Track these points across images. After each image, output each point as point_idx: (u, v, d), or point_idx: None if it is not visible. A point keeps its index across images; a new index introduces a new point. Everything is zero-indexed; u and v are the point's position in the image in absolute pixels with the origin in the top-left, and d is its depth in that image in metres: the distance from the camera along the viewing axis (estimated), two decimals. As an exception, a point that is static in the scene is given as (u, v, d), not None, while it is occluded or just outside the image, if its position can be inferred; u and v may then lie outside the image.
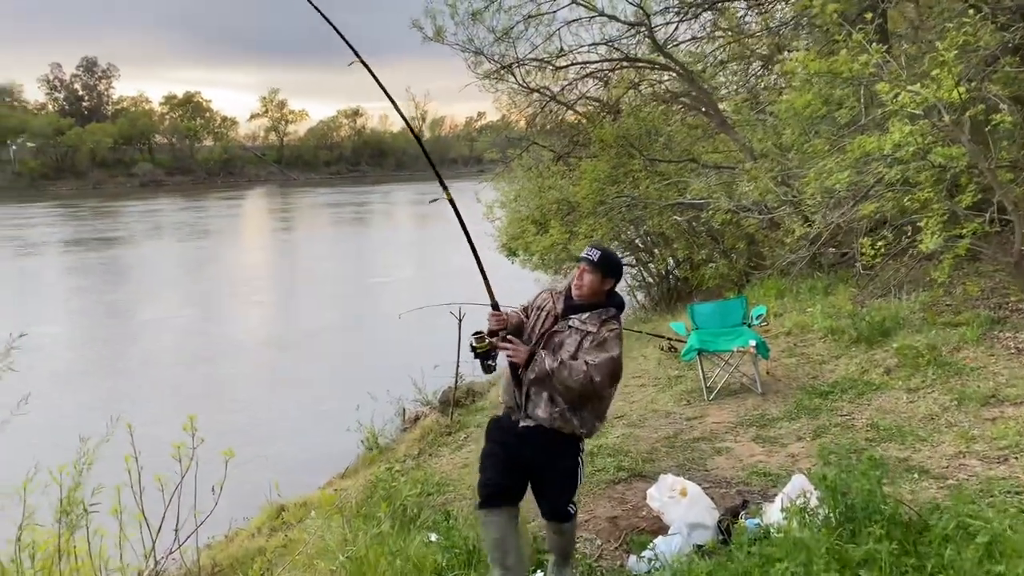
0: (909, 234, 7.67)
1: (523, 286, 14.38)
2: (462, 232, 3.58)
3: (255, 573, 4.39)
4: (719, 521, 3.81)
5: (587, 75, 13.84)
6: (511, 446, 3.37)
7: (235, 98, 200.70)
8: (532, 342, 3.36)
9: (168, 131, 79.39)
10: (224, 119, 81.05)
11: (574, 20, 11.78)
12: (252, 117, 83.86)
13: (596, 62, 12.58)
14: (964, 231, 6.73)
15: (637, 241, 14.00)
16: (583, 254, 3.42)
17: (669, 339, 8.00)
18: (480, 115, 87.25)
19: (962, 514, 3.43)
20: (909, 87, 6.62)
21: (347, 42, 3.57)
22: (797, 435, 5.40)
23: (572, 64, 12.35)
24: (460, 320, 7.41)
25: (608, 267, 3.37)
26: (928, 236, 6.78)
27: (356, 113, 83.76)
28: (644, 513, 4.38)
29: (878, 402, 5.75)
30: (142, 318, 20.79)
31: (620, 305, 3.45)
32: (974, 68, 7.48)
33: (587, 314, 3.31)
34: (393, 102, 3.82)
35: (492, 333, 3.37)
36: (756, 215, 10.37)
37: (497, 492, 3.36)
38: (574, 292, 3.37)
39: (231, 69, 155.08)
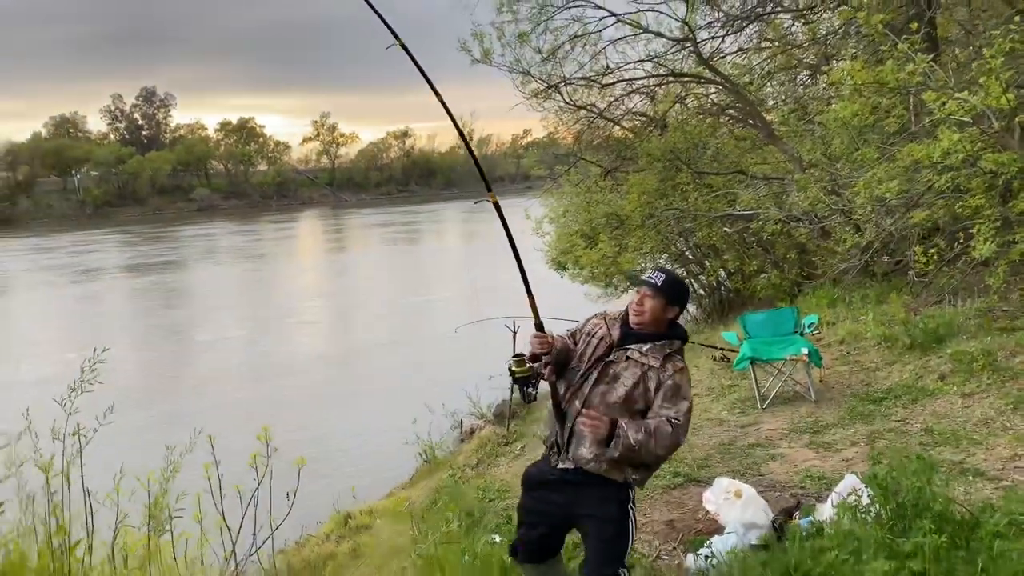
0: (962, 241, 7.69)
1: (572, 300, 14.59)
2: (507, 238, 3.24)
3: (332, 571, 4.68)
4: (773, 520, 3.95)
5: (633, 91, 14.05)
6: (546, 495, 3.08)
7: (287, 123, 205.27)
8: (583, 371, 3.02)
9: (223, 157, 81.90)
10: (277, 143, 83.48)
11: (620, 39, 12.01)
12: (304, 141, 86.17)
13: (642, 78, 12.79)
14: (1018, 237, 6.75)
15: (687, 253, 14.07)
16: (645, 277, 3.07)
17: (721, 349, 8.12)
18: (526, 132, 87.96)
19: (1014, 512, 3.54)
20: (957, 94, 6.68)
21: (386, 24, 3.27)
22: (851, 440, 5.49)
23: (618, 81, 12.54)
24: (515, 332, 7.66)
25: (674, 293, 3.02)
26: (981, 243, 6.80)
27: (405, 134, 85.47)
28: (700, 516, 4.54)
29: (932, 407, 5.81)
30: (199, 339, 21.50)
31: (684, 337, 3.10)
32: (1024, 73, 7.48)
33: (648, 345, 2.97)
34: (434, 89, 3.42)
35: (534, 357, 3.00)
36: (807, 225, 10.42)
37: (530, 550, 3.16)
38: (633, 319, 3.02)
39: (283, 95, 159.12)
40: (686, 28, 11.32)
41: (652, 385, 2.93)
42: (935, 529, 3.10)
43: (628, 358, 2.96)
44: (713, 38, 12.56)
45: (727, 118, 13.71)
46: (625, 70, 13.41)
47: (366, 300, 27.24)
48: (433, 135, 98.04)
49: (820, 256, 11.10)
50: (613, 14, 11.32)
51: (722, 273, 14.40)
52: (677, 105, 14.37)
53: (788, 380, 6.77)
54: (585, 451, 2.94)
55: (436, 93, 3.38)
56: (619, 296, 13.82)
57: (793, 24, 13.47)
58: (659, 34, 11.38)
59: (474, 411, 10.84)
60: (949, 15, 11.10)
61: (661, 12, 11.92)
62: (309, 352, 19.46)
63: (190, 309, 27.15)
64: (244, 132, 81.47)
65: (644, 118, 15.59)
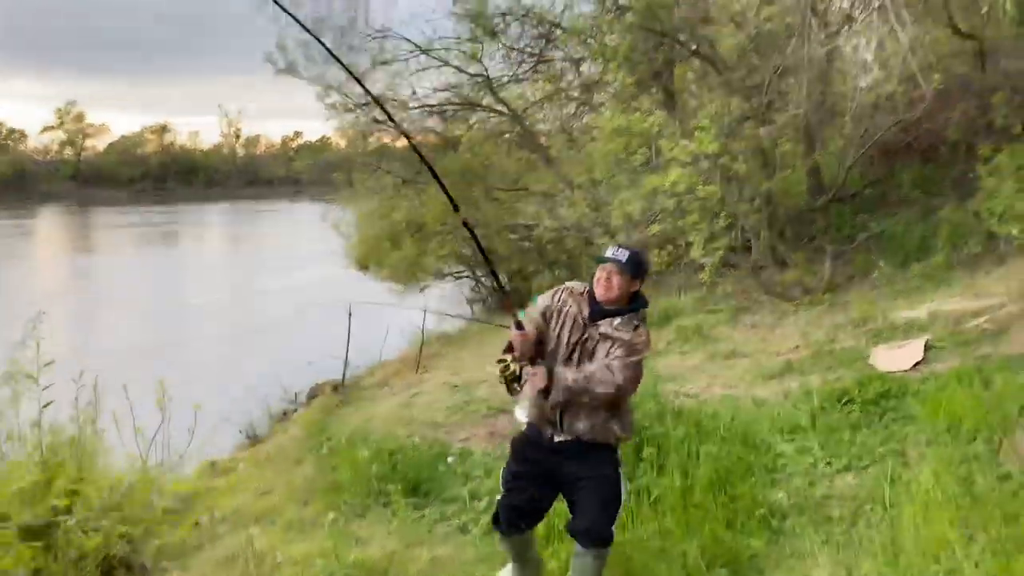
0: (684, 248, 10.55)
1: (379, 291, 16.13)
2: (473, 243, 3.71)
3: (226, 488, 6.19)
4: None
5: (431, 114, 16.09)
6: (543, 462, 3.27)
7: (21, 110, 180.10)
8: (564, 353, 3.21)
9: (-59, 142, 72.89)
10: (11, 131, 75.56)
11: (422, 69, 14.04)
12: (44, 130, 78.63)
13: (440, 105, 14.86)
14: (718, 245, 9.64)
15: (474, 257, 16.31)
16: (608, 254, 3.26)
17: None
18: (296, 135, 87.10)
19: (702, 407, 6.03)
20: (681, 141, 9.48)
21: None
22: (608, 384, 7.90)
23: (422, 107, 14.52)
24: (350, 315, 9.35)
25: (638, 268, 3.24)
26: (696, 249, 9.64)
27: (163, 129, 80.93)
28: (509, 432, 6.65)
29: (662, 362, 8.40)
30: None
31: (646, 304, 3.35)
32: (727, 128, 10.46)
33: (619, 320, 3.19)
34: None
35: (511, 349, 3.19)
36: (574, 234, 13.06)
37: (520, 518, 3.34)
38: (601, 296, 3.21)
39: (14, 76, 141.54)
40: (480, 66, 13.60)
41: (617, 350, 3.15)
42: (655, 408, 5.43)
43: (601, 333, 3.18)
44: (501, 76, 14.96)
45: (510, 143, 16.20)
46: (426, 95, 15.48)
47: (126, 303, 25.38)
48: (196, 132, 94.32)
49: (584, 260, 13.81)
50: (422, 50, 13.31)
51: (504, 277, 16.84)
52: (466, 127, 16.65)
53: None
54: (582, 425, 3.17)
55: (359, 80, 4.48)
56: (420, 291, 15.73)
57: (563, 66, 16.28)
58: (460, 69, 13.55)
59: (284, 397, 12.11)
60: (686, 67, 14.31)
61: (459, 49, 14.12)
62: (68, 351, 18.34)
63: None
64: (-31, 115, 73.12)
65: (436, 135, 17.73)
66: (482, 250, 3.73)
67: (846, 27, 10.15)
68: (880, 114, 10.84)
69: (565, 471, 3.23)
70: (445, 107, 15.01)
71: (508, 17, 13.88)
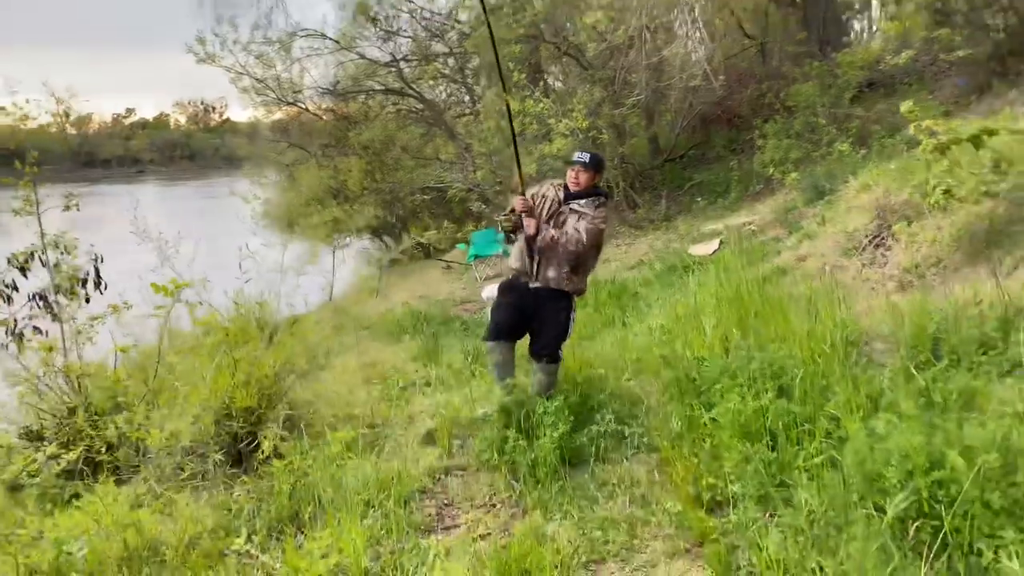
0: (567, 196, 15.19)
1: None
2: (510, 131, 5.14)
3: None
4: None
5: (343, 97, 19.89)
6: (522, 299, 4.62)
7: None
8: (544, 220, 4.50)
9: None
10: None
11: (344, 61, 17.95)
12: None
13: (354, 91, 18.80)
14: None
15: (390, 219, 20.34)
16: (575, 158, 4.62)
17: (446, 262, 14.79)
18: (129, 112, 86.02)
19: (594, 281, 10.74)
20: (563, 119, 14.14)
21: None
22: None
23: (349, 91, 18.39)
24: (334, 251, 13.34)
25: (597, 165, 4.60)
26: (576, 196, 14.34)
27: (-22, 108, 77.26)
28: (480, 308, 11.10)
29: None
30: None
31: (608, 194, 4.61)
32: (591, 109, 15.20)
33: (584, 200, 4.54)
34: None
35: (513, 212, 4.52)
36: (477, 192, 17.48)
37: (503, 330, 4.67)
38: (572, 187, 4.58)
39: None
40: (391, 56, 17.68)
41: (583, 222, 4.54)
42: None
43: (572, 210, 4.59)
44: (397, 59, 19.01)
45: (411, 119, 20.30)
46: (336, 80, 19.32)
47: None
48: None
49: (485, 214, 18.24)
50: (343, 47, 17.22)
51: (411, 234, 20.96)
52: (372, 104, 20.49)
53: (495, 267, 13.66)
54: (551, 273, 4.58)
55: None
56: (342, 248, 19.58)
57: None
58: (375, 61, 17.56)
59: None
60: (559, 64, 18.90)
61: (373, 44, 18.13)
62: None
63: None
64: None
65: (334, 113, 21.42)
66: (511, 127, 5.25)
67: (671, 35, 15.13)
68: (697, 95, 15.99)
69: (535, 309, 4.64)
70: (359, 90, 18.96)
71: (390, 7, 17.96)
